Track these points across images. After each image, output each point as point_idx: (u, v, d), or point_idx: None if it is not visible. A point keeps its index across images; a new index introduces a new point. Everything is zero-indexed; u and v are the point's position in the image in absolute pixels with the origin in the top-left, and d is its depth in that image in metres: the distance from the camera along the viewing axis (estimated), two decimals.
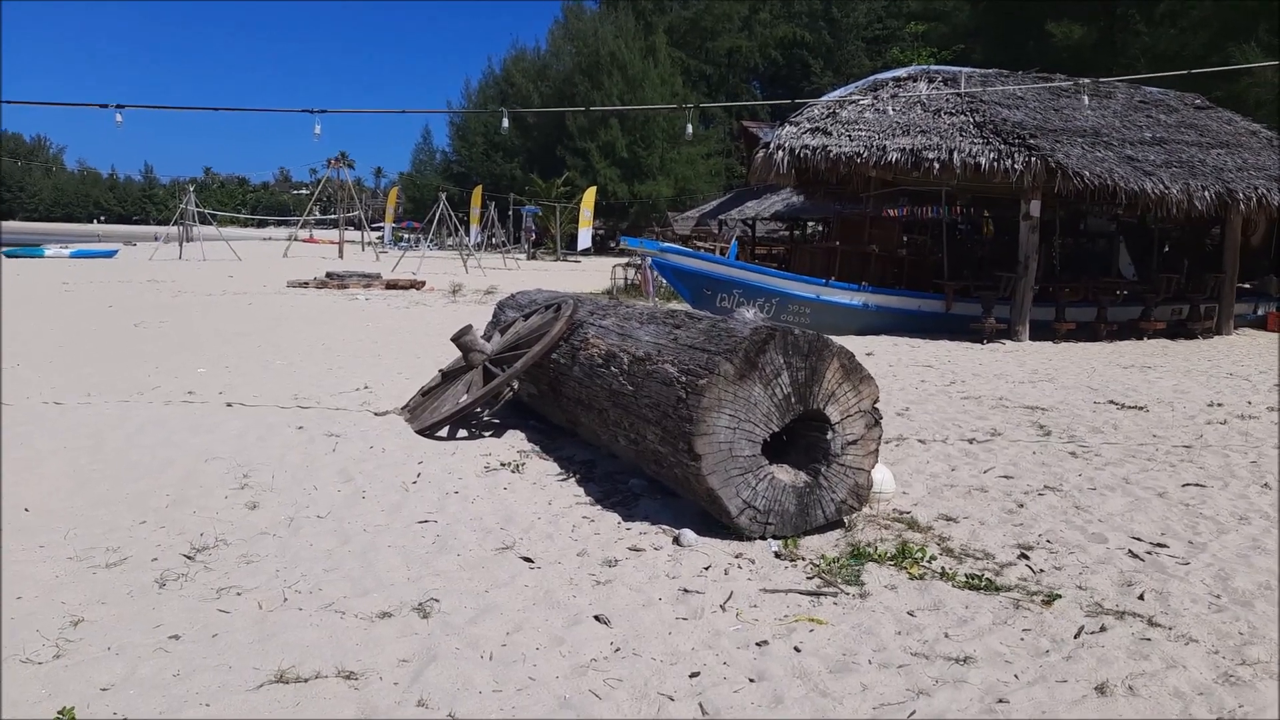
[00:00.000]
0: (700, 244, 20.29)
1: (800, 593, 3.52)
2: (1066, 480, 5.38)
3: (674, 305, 16.60)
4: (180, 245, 33.33)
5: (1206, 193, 12.13)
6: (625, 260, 19.91)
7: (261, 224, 75.37)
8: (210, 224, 39.90)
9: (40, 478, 4.57)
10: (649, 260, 13.48)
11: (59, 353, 8.88)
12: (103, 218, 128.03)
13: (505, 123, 6.81)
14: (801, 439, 4.31)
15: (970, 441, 6.38)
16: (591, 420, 5.27)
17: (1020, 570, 3.85)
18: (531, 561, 3.76)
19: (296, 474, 4.80)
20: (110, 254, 32.89)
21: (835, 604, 3.42)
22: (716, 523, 4.20)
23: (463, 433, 5.96)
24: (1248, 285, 15.83)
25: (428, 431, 5.70)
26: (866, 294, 12.96)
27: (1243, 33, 19.63)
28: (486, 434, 6.01)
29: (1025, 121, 12.56)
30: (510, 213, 45.40)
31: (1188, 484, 5.32)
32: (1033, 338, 12.71)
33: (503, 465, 5.16)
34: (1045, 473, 5.55)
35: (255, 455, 5.10)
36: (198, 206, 37.41)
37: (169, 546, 3.76)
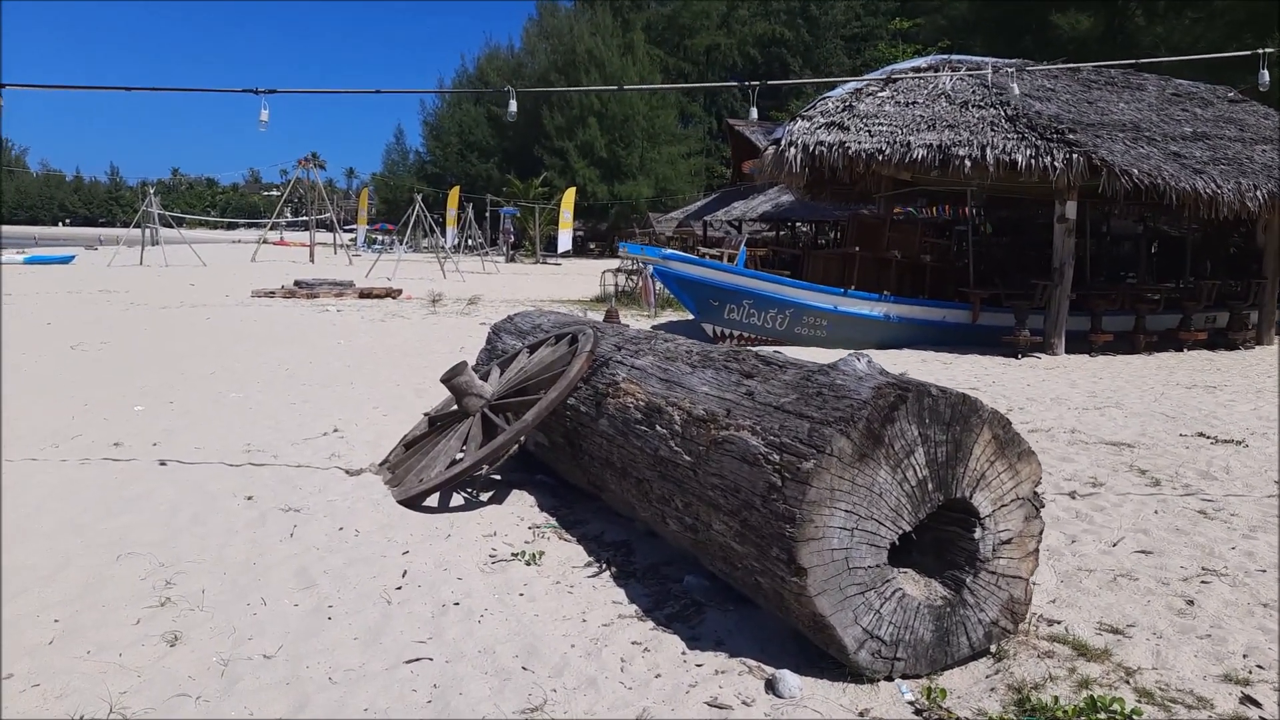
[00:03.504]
0: (708, 251, 19.15)
1: None
2: (1221, 555, 4.28)
3: (672, 315, 15.47)
4: (141, 250, 31.65)
5: (1259, 192, 11.14)
6: (617, 266, 18.71)
7: (231, 226, 73.35)
8: (173, 227, 38.18)
9: None
10: (650, 269, 12.31)
11: None
12: (68, 220, 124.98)
13: (513, 105, 5.60)
14: (929, 533, 3.16)
15: (1071, 496, 5.27)
16: (625, 490, 4.10)
17: None
18: None
19: (238, 578, 3.57)
20: (68, 259, 31.17)
21: None
22: (818, 651, 3.05)
23: (457, 498, 4.76)
24: None
25: (413, 501, 4.49)
26: (888, 304, 11.88)
27: (1262, 23, 18.77)
28: (485, 498, 4.82)
29: (1060, 115, 11.52)
30: (487, 214, 44.06)
31: None
32: (1067, 349, 11.69)
33: (514, 555, 3.96)
34: (1188, 544, 4.44)
35: (186, 547, 3.87)
36: (162, 209, 35.72)
37: None
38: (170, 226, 37.47)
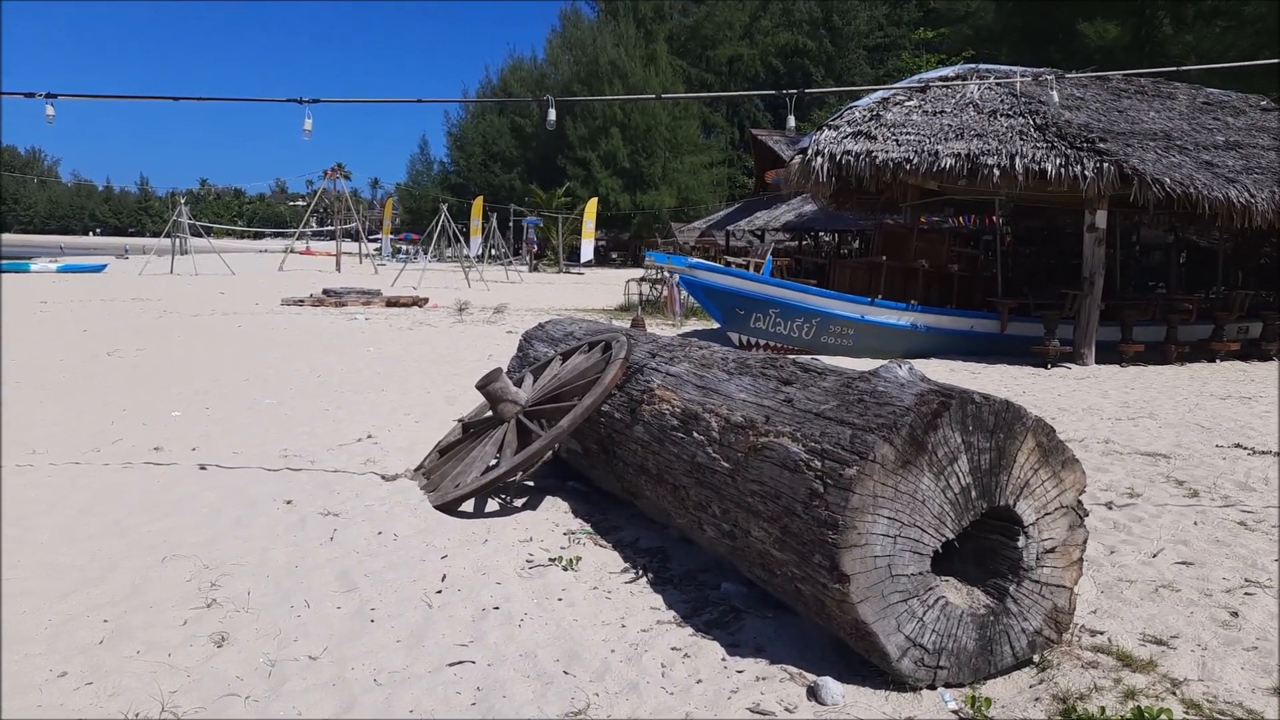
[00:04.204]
0: (734, 260, 19.15)
1: None
2: (1264, 567, 4.22)
3: (696, 324, 15.48)
4: (172, 259, 32.12)
5: None
6: (641, 275, 18.74)
7: (258, 236, 74.24)
8: (202, 236, 38.72)
9: None
10: (676, 277, 12.33)
11: (13, 392, 7.69)
12: (98, 230, 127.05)
13: (551, 114, 5.63)
14: (971, 541, 3.15)
15: (1109, 506, 5.22)
16: (661, 496, 4.11)
17: None
18: None
19: (281, 581, 3.61)
20: (100, 268, 31.68)
21: None
22: (859, 659, 3.04)
23: (492, 503, 4.79)
24: None
25: (450, 506, 4.53)
26: (915, 313, 11.82)
27: None
28: (520, 503, 4.85)
29: (1090, 124, 11.44)
30: (511, 224, 44.30)
31: None
32: (1097, 360, 11.58)
33: (551, 560, 3.98)
34: (1230, 556, 4.39)
35: (229, 550, 3.92)
36: (191, 219, 36.23)
37: None
38: (199, 236, 38.00)
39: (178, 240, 34.41)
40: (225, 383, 8.40)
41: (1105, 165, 10.59)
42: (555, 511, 4.75)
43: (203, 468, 5.22)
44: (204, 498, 4.64)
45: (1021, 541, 3.02)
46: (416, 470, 5.22)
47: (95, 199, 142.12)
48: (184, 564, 3.74)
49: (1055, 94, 6.52)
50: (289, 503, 4.60)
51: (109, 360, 9.74)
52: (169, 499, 4.61)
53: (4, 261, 31.78)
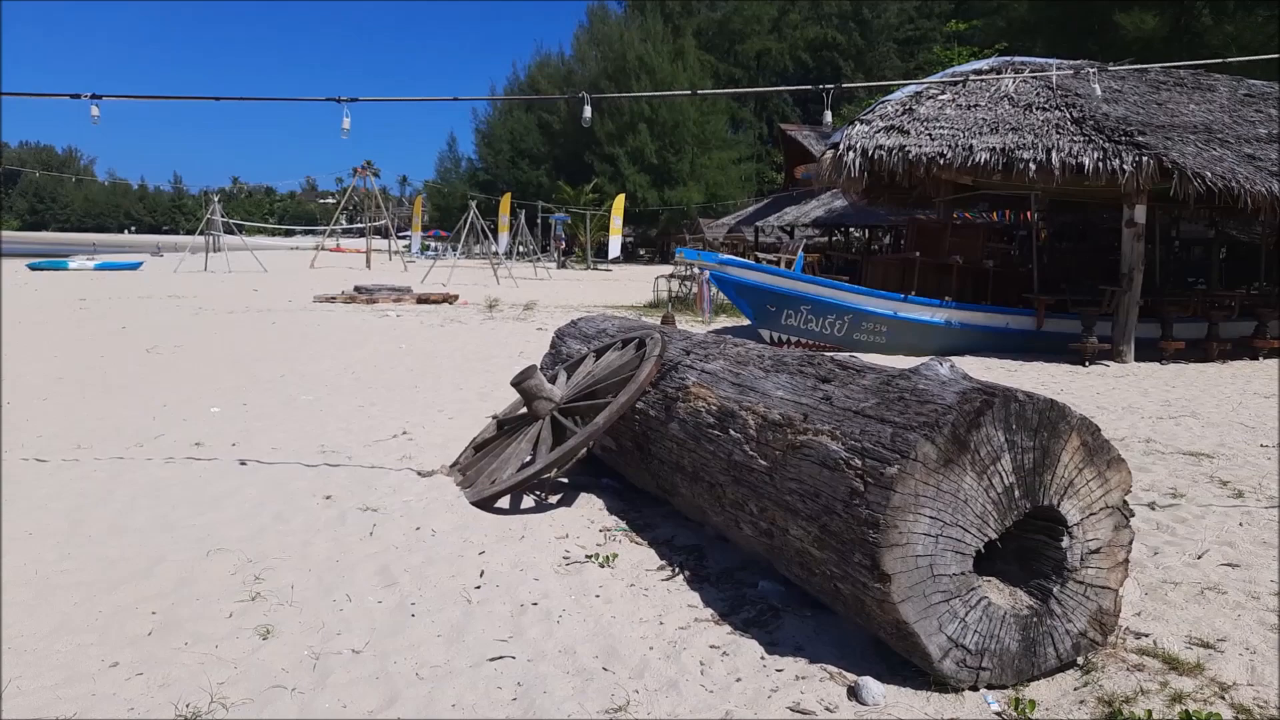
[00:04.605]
0: (765, 256, 19.10)
1: None
2: None
3: (726, 321, 15.45)
4: (205, 256, 32.60)
5: None
6: (670, 271, 18.73)
7: (289, 233, 75.14)
8: (235, 234, 39.24)
9: None
10: (706, 274, 12.31)
11: (57, 388, 7.85)
12: (133, 228, 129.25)
13: (587, 111, 5.61)
14: (1013, 541, 3.12)
15: (1151, 507, 5.14)
16: (697, 494, 4.11)
17: None
18: None
19: (323, 575, 3.66)
20: (135, 266, 32.22)
21: None
22: (899, 659, 3.03)
23: (527, 500, 4.82)
24: None
25: (486, 503, 4.56)
26: (949, 310, 11.71)
27: None
28: (555, 500, 4.87)
29: (1129, 117, 11.25)
30: (539, 220, 44.44)
31: None
32: (1136, 358, 11.40)
33: (588, 557, 4.00)
34: (1277, 558, 4.31)
35: (271, 544, 3.98)
36: (224, 216, 36.74)
37: (145, 712, 2.65)
38: (232, 233, 38.51)
39: (211, 238, 34.90)
40: (262, 379, 8.52)
41: (1144, 159, 10.41)
42: (590, 508, 4.76)
43: (243, 463, 5.31)
44: (245, 493, 4.71)
45: (1065, 542, 2.98)
46: (452, 466, 5.26)
47: (130, 197, 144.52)
48: (228, 558, 3.80)
49: (1097, 87, 6.39)
50: (328, 498, 4.66)
51: (148, 357, 9.91)
52: (211, 494, 4.69)
53: (43, 260, 32.43)
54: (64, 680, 2.83)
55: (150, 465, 5.25)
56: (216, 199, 35.84)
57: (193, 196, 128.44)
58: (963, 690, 2.88)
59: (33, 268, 30.18)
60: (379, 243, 45.06)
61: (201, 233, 35.27)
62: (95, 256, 34.87)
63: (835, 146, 11.89)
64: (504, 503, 4.67)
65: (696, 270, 14.54)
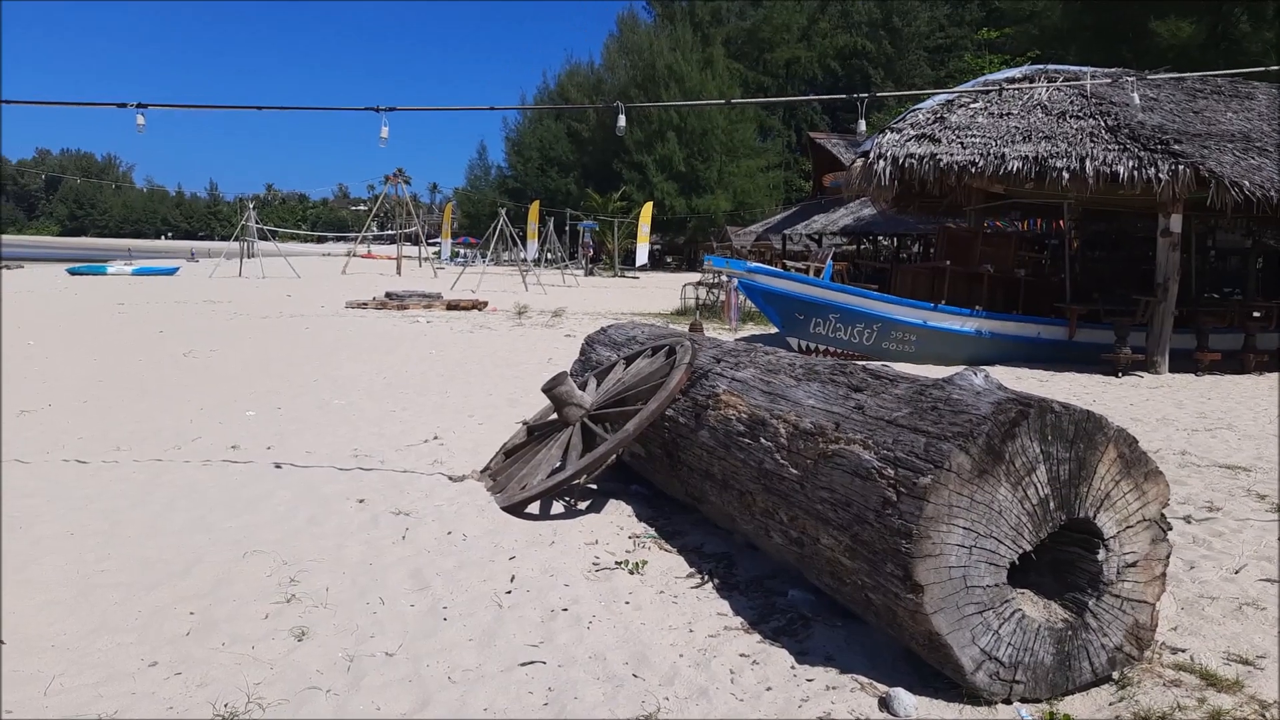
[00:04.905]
0: (794, 265, 19.06)
1: None
2: None
3: (753, 329, 15.42)
4: (240, 262, 33.10)
5: None
6: (698, 279, 18.73)
7: (321, 239, 76.05)
8: (269, 240, 39.80)
9: (33, 584, 3.55)
10: (734, 281, 12.30)
11: (97, 390, 8.01)
12: (169, 234, 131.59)
13: (621, 120, 5.65)
14: (1047, 553, 3.09)
15: (1187, 520, 5.06)
16: (726, 502, 4.11)
17: None
18: None
19: (357, 578, 3.71)
20: (172, 271, 32.80)
21: None
22: (931, 670, 3.00)
23: (557, 505, 4.85)
24: None
25: (516, 508, 4.59)
26: (980, 319, 11.60)
27: None
28: (584, 506, 4.89)
29: (1165, 125, 11.11)
30: (567, 228, 44.63)
31: None
32: (1171, 369, 11.22)
33: (617, 564, 4.01)
34: None
35: (306, 547, 4.04)
36: (258, 223, 37.29)
37: (183, 711, 2.69)
38: (266, 239, 39.06)
39: (246, 244, 35.43)
40: (295, 383, 8.63)
41: (1181, 168, 10.26)
42: (619, 515, 4.78)
43: (278, 466, 5.38)
44: (280, 495, 4.78)
45: (1101, 555, 2.95)
46: (483, 471, 5.30)
47: (167, 204, 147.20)
48: (264, 560, 3.86)
49: (1136, 96, 6.32)
50: (361, 501, 4.72)
51: (185, 360, 10.08)
52: (247, 496, 4.76)
53: (83, 265, 33.10)
54: (105, 679, 2.89)
55: (188, 467, 5.35)
56: (251, 205, 36.39)
57: (228, 203, 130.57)
58: (995, 703, 2.86)
59: (72, 272, 30.83)
60: (409, 249, 45.48)
61: (236, 239, 35.83)
62: (133, 261, 35.53)
63: (865, 155, 11.84)
64: (534, 508, 4.70)
65: (725, 278, 14.53)
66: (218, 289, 23.51)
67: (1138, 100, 6.98)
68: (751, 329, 15.41)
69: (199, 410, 7.17)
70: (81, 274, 30.34)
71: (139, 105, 4.51)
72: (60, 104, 4.94)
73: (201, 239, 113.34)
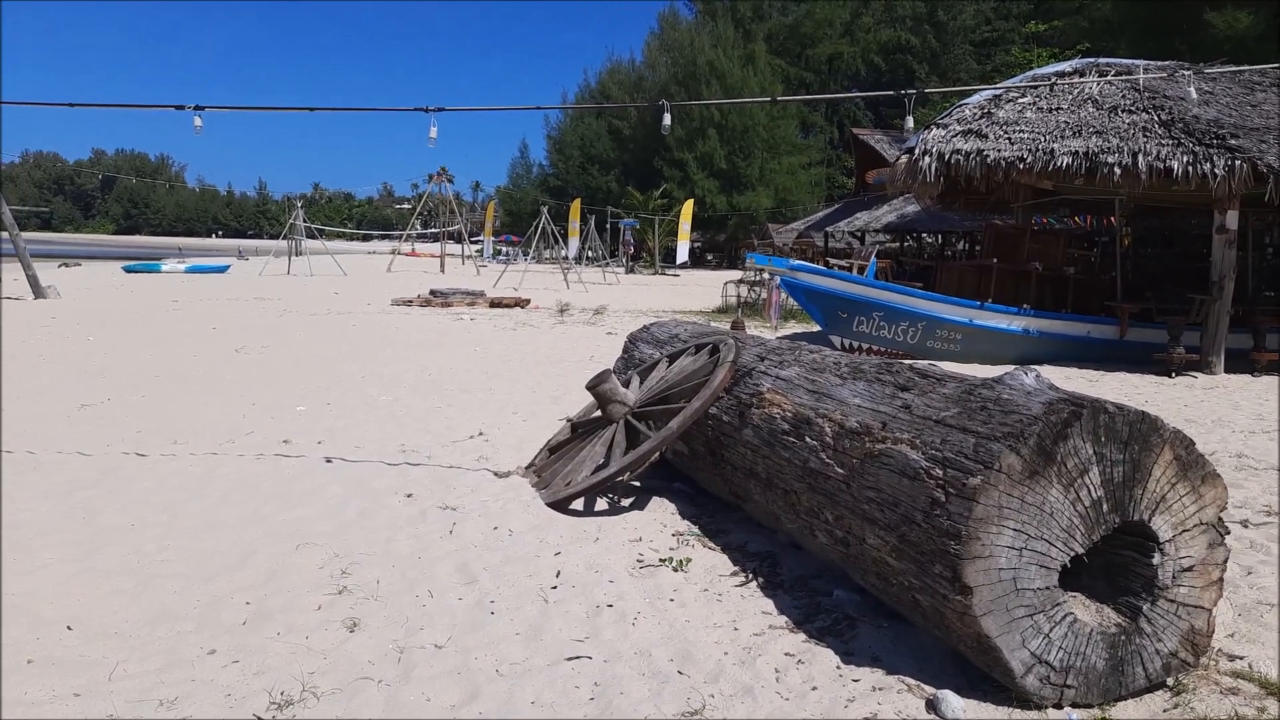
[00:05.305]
0: (838, 262, 18.93)
1: None
2: None
3: (795, 327, 15.33)
4: (289, 260, 33.73)
5: None
6: (739, 277, 18.67)
7: (366, 238, 77.18)
8: (316, 238, 40.49)
9: (97, 574, 3.67)
10: (777, 279, 12.25)
11: (154, 385, 8.24)
12: (220, 232, 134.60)
13: (667, 119, 5.67)
14: (1099, 556, 3.04)
15: (1244, 525, 4.94)
16: (770, 501, 4.11)
17: None
18: None
19: (406, 571, 3.78)
20: (223, 269, 33.53)
21: None
22: (979, 673, 2.98)
23: (601, 502, 4.88)
24: None
25: (561, 504, 4.63)
26: (1028, 318, 11.42)
27: None
28: (627, 503, 4.92)
29: (1221, 119, 10.82)
30: (607, 226, 44.76)
31: None
32: (1226, 369, 10.94)
33: (661, 561, 4.03)
34: None
35: (356, 540, 4.12)
36: (306, 222, 37.96)
37: (241, 698, 2.77)
38: (314, 238, 39.74)
39: (294, 242, 36.08)
40: (344, 379, 8.79)
41: (1238, 163, 9.99)
42: (662, 512, 4.80)
43: (328, 461, 5.50)
44: (331, 489, 4.88)
45: (1156, 559, 2.90)
46: (527, 468, 5.36)
47: (218, 203, 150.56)
48: (316, 552, 3.94)
49: (1193, 90, 6.16)
50: (409, 496, 4.80)
51: (237, 356, 10.32)
52: (299, 490, 4.87)
53: (138, 263, 33.98)
54: (166, 665, 2.98)
55: (242, 461, 5.48)
56: (299, 204, 37.05)
57: (276, 202, 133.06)
58: (1046, 708, 2.82)
59: (128, 270, 31.66)
60: (452, 247, 45.96)
61: (285, 237, 36.50)
62: (185, 260, 36.39)
63: (910, 151, 11.71)
64: (578, 504, 4.74)
65: (766, 276, 14.46)
66: (267, 286, 24.00)
67: (1194, 94, 6.78)
68: (793, 327, 15.33)
69: (251, 405, 7.34)
70: (136, 272, 31.16)
71: (196, 108, 4.63)
72: (122, 106, 5.13)
73: (250, 237, 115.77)
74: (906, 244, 33.08)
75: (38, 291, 17.79)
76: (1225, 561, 2.99)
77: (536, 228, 29.61)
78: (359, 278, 29.35)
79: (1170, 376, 10.54)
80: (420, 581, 3.67)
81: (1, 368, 8.79)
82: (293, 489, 4.88)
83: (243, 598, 3.49)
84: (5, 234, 18.00)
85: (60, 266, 33.39)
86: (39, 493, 4.76)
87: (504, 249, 52.24)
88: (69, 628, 3.20)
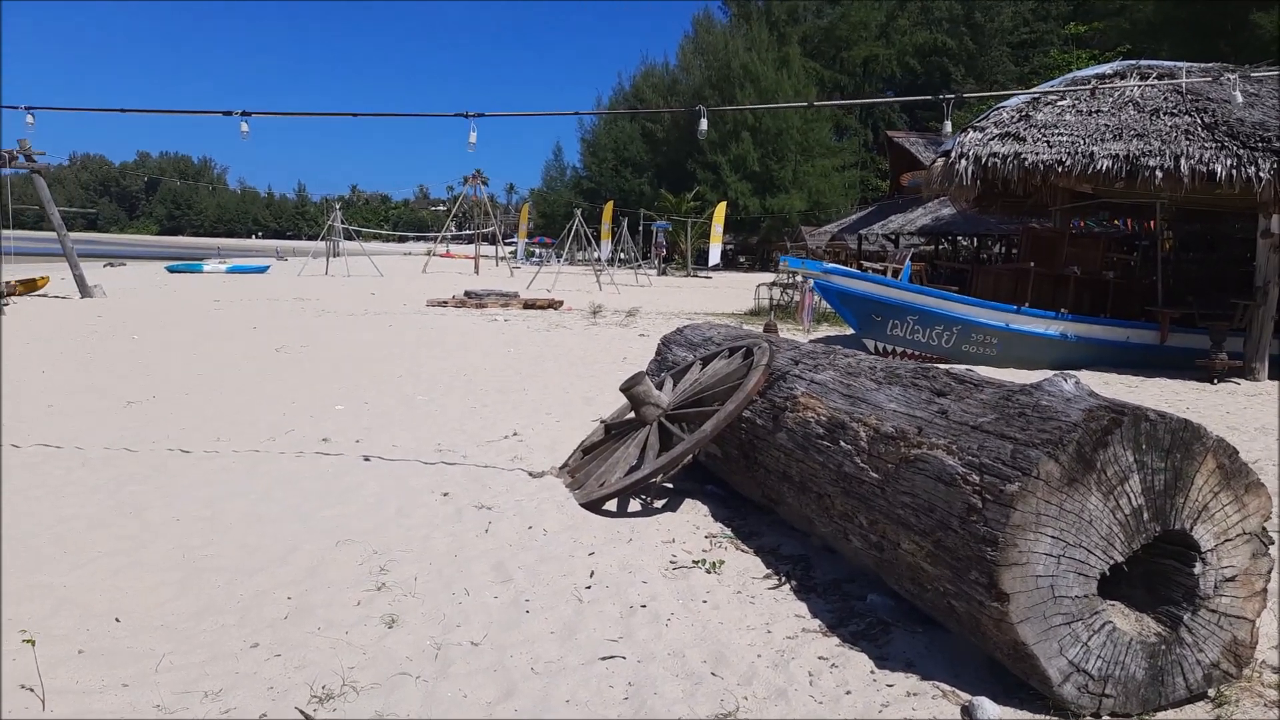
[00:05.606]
0: (873, 266, 18.82)
1: None
2: None
3: (828, 330, 15.25)
4: (327, 261, 34.22)
5: None
6: (772, 279, 18.62)
7: (402, 239, 78.02)
8: (354, 239, 41.02)
9: (144, 568, 3.77)
10: (810, 282, 12.20)
11: (197, 383, 8.42)
12: (260, 233, 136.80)
13: (704, 124, 5.68)
14: (1139, 565, 3.01)
15: None
16: (804, 504, 4.11)
17: None
18: None
19: (443, 569, 3.83)
20: (263, 269, 34.10)
21: None
22: (1015, 681, 2.96)
23: (634, 503, 4.91)
24: None
25: (594, 505, 4.67)
26: (1065, 323, 11.27)
27: None
28: (660, 505, 4.94)
29: (1266, 122, 10.60)
30: (640, 228, 44.82)
31: None
32: (1271, 376, 10.71)
33: (694, 563, 4.05)
34: None
35: (394, 537, 4.19)
36: (344, 223, 38.48)
37: (283, 691, 2.83)
38: (351, 239, 40.26)
39: (332, 243, 36.59)
40: (381, 379, 8.91)
41: None
42: (695, 514, 4.81)
43: (367, 459, 5.59)
44: (369, 487, 4.97)
45: (1198, 568, 2.86)
46: (561, 468, 5.40)
47: (258, 204, 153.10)
48: (355, 549, 4.01)
49: (1239, 94, 6.05)
50: (445, 495, 4.86)
51: (277, 356, 10.50)
52: (338, 487, 4.96)
53: (180, 263, 34.67)
54: (210, 658, 3.05)
55: (283, 459, 5.59)
56: (338, 206, 37.55)
57: (314, 203, 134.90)
58: (1084, 717, 2.80)
59: (171, 270, 32.32)
60: (487, 249, 46.29)
61: (323, 238, 37.02)
62: (226, 260, 37.05)
63: (946, 154, 11.61)
64: (612, 505, 4.77)
65: (800, 278, 14.42)
66: (306, 287, 24.36)
67: (1239, 97, 6.64)
68: (826, 330, 15.25)
69: (291, 404, 7.47)
70: (179, 272, 31.79)
71: (243, 113, 4.74)
72: (170, 112, 5.24)
73: (289, 238, 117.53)
74: (941, 247, 32.74)
75: (84, 290, 18.24)
76: (1270, 572, 2.95)
77: (570, 230, 29.75)
78: (395, 279, 29.68)
79: (1212, 383, 10.35)
80: (457, 579, 3.72)
81: (2, 368, 9.02)
82: (332, 487, 4.97)
83: (284, 593, 3.57)
84: (54, 234, 18.47)
85: (106, 266, 34.17)
86: (88, 487, 4.90)
87: (537, 251, 52.51)
88: (117, 620, 3.29)
